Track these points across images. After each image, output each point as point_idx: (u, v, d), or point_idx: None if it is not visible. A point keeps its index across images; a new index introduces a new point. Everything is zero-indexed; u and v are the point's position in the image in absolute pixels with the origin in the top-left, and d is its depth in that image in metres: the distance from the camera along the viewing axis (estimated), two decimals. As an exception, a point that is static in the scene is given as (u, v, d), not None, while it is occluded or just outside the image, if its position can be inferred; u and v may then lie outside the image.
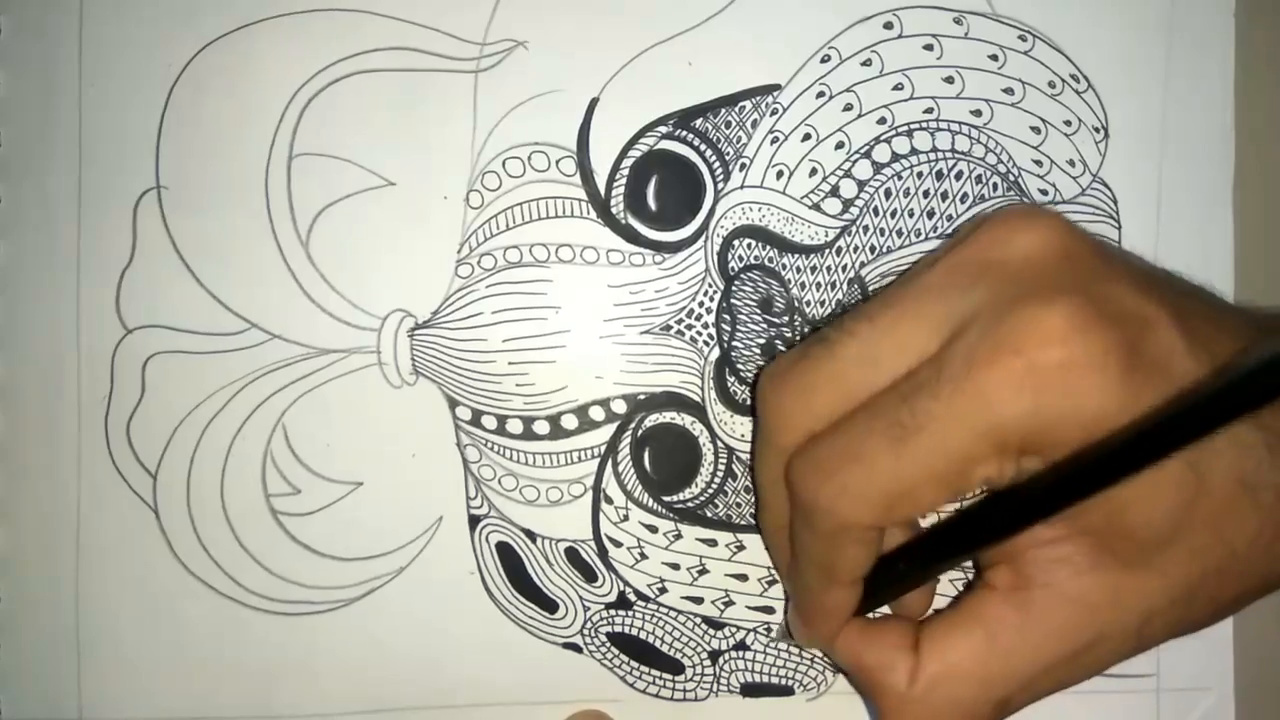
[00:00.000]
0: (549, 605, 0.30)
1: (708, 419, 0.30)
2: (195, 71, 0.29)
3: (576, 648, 0.30)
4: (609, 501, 0.30)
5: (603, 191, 0.30)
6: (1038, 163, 0.31)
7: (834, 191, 0.30)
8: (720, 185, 0.30)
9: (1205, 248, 0.32)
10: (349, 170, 0.29)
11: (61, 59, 0.29)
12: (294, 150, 0.29)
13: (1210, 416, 0.19)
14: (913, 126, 0.31)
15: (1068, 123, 0.31)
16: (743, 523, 0.30)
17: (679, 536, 0.30)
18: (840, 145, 0.30)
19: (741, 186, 0.30)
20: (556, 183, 0.30)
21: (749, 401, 0.30)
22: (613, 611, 0.30)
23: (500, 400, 0.30)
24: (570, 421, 0.30)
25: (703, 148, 0.30)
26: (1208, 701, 0.31)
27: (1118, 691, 0.31)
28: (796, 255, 0.30)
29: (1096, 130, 0.31)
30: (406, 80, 0.29)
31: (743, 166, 0.30)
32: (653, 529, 0.30)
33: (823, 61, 0.30)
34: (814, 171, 0.30)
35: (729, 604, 0.30)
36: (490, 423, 0.30)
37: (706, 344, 0.30)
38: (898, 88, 0.31)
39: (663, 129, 0.30)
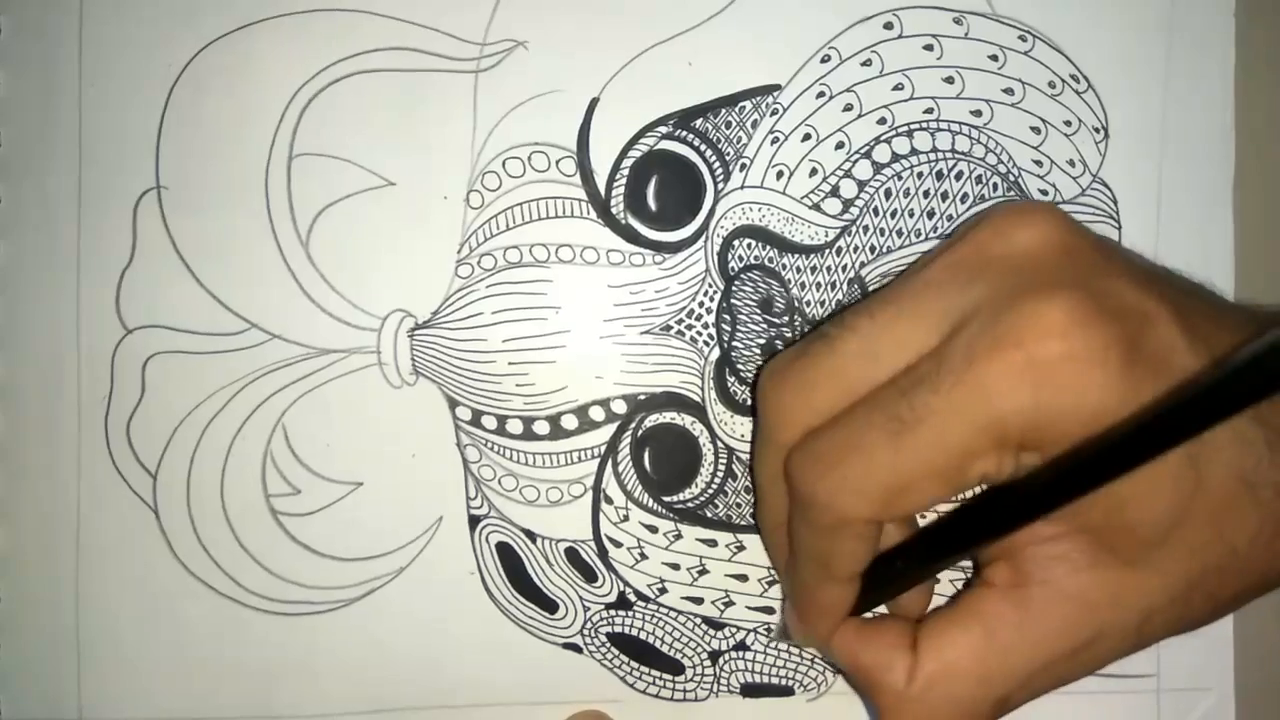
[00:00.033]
0: (549, 605, 0.30)
1: (708, 419, 0.30)
2: (195, 71, 0.29)
3: (576, 648, 0.30)
4: (609, 502, 0.30)
5: (603, 191, 0.30)
6: (1038, 163, 0.31)
7: (834, 192, 0.30)
8: (720, 185, 0.30)
9: (1205, 248, 0.32)
10: (349, 170, 0.29)
11: (61, 59, 0.29)
12: (294, 150, 0.29)
13: (1210, 409, 0.19)
14: (913, 127, 0.31)
15: (1068, 123, 0.31)
16: (743, 523, 0.30)
17: (679, 537, 0.30)
18: (840, 145, 0.30)
19: (742, 186, 0.30)
20: (556, 183, 0.30)
21: (749, 402, 0.30)
22: (613, 612, 0.30)
23: (500, 400, 0.29)
24: (570, 422, 0.30)
25: (703, 148, 0.30)
26: (1208, 702, 0.31)
27: (1118, 692, 0.31)
28: (796, 255, 0.30)
29: (1096, 130, 0.31)
30: (406, 80, 0.29)
31: (743, 167, 0.30)
32: (653, 529, 0.30)
33: (823, 62, 0.30)
34: (814, 172, 0.30)
35: (729, 604, 0.30)
36: (490, 423, 0.30)
37: (706, 344, 0.30)
38: (898, 88, 0.31)
39: (663, 129, 0.30)
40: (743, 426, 0.30)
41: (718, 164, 0.30)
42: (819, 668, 0.31)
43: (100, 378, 0.29)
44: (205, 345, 0.29)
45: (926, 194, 0.31)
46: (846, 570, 0.24)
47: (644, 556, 0.30)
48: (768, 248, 0.30)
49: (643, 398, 0.30)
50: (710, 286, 0.30)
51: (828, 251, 0.30)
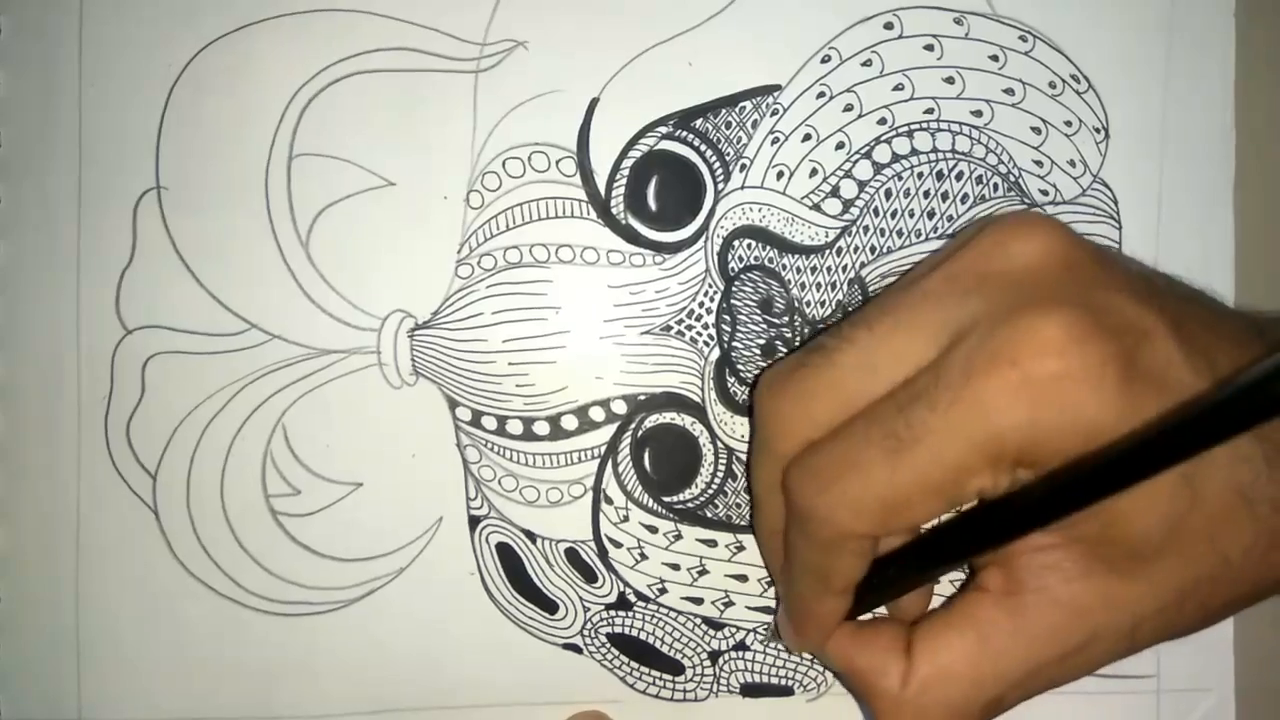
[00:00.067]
0: (549, 606, 0.30)
1: (708, 419, 0.30)
2: (195, 71, 0.29)
3: (576, 648, 0.30)
4: (609, 502, 0.30)
5: (603, 192, 0.30)
6: (1038, 163, 0.31)
7: (834, 192, 0.30)
8: (720, 185, 0.30)
9: (1206, 248, 0.32)
10: (349, 170, 0.29)
11: (61, 59, 0.29)
12: (294, 150, 0.29)
13: (1207, 431, 0.19)
14: (913, 127, 0.31)
15: (1068, 123, 0.31)
16: (742, 523, 0.30)
17: (679, 537, 0.30)
18: (840, 145, 0.30)
19: (742, 187, 0.30)
20: (556, 183, 0.30)
21: (749, 410, 0.30)
22: (613, 612, 0.30)
23: (500, 401, 0.29)
24: (570, 422, 0.30)
25: (703, 148, 0.30)
26: (1208, 703, 0.31)
27: (1118, 692, 0.31)
28: (797, 256, 0.30)
29: (1097, 130, 0.31)
30: (406, 80, 0.29)
31: (743, 167, 0.30)
32: (653, 529, 0.30)
33: (823, 62, 0.30)
34: (814, 172, 0.30)
35: (729, 604, 0.30)
36: (490, 423, 0.30)
37: (707, 344, 0.30)
38: (898, 88, 0.31)
39: (663, 129, 0.30)
40: (743, 427, 0.30)
41: (718, 164, 0.30)
42: (819, 668, 0.31)
43: (100, 378, 0.29)
44: (205, 345, 0.29)
45: (927, 194, 0.31)
46: (842, 583, 0.24)
47: (644, 557, 0.30)
48: (768, 248, 0.30)
49: (643, 398, 0.30)
50: (710, 287, 0.30)
51: (828, 252, 0.30)
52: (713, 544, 0.30)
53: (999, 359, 0.21)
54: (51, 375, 0.29)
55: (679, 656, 0.30)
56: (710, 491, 0.30)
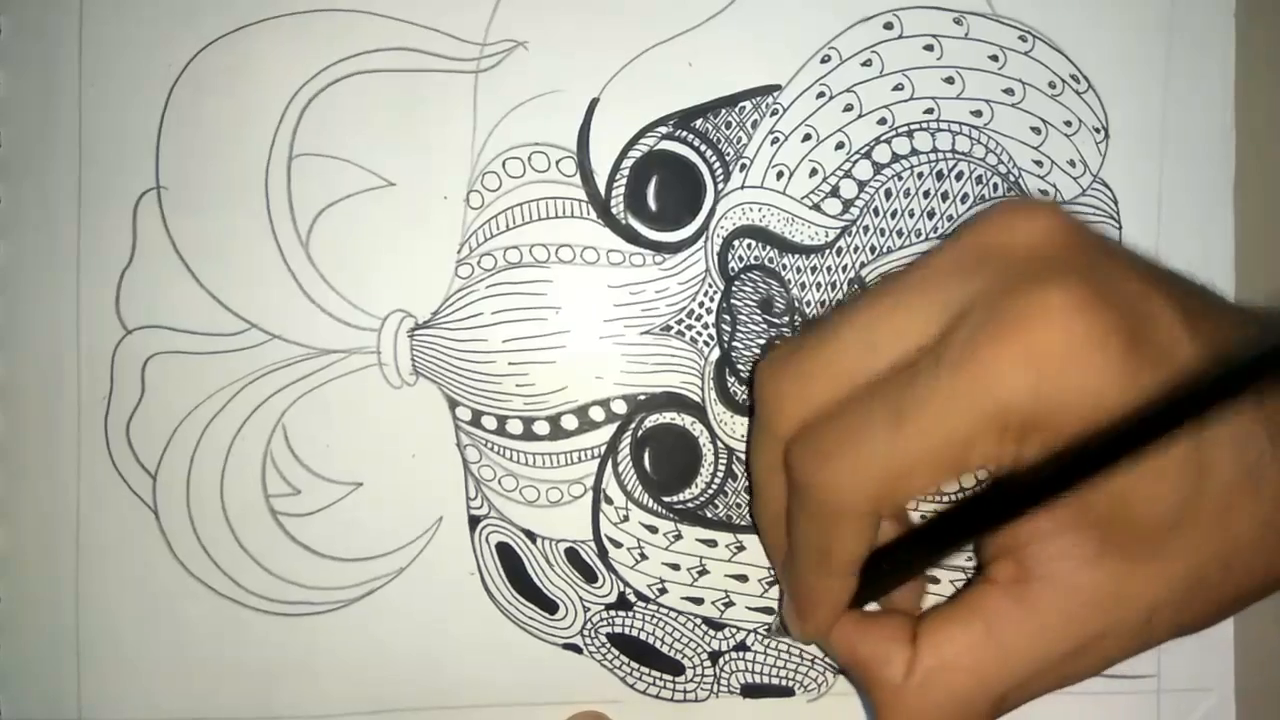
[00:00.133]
0: (549, 606, 0.30)
1: (708, 419, 0.30)
2: (195, 71, 0.29)
3: (576, 648, 0.30)
4: (609, 502, 0.30)
5: (603, 192, 0.30)
6: (1038, 163, 0.31)
7: (834, 192, 0.30)
8: (720, 185, 0.30)
9: (1206, 248, 0.32)
10: (349, 170, 0.29)
11: (61, 59, 0.29)
12: (294, 150, 0.29)
13: (1215, 395, 0.19)
14: (913, 127, 0.31)
15: (1068, 123, 0.31)
16: (743, 523, 0.30)
17: (679, 537, 0.30)
18: (840, 145, 0.30)
19: (742, 187, 0.30)
20: (556, 183, 0.30)
21: (749, 402, 0.30)
22: (613, 612, 0.30)
23: (500, 400, 0.29)
24: (570, 422, 0.30)
25: (703, 148, 0.30)
26: (1208, 702, 0.31)
27: (1118, 692, 0.31)
28: (797, 255, 0.30)
29: (1097, 130, 0.31)
30: (406, 80, 0.29)
31: (743, 167, 0.30)
32: (653, 529, 0.30)
33: (823, 62, 0.30)
34: (814, 172, 0.30)
35: (729, 605, 0.30)
36: (490, 423, 0.30)
37: (707, 344, 0.30)
38: (898, 88, 0.31)
39: (663, 129, 0.30)
40: (743, 427, 0.30)
41: (718, 164, 0.30)
42: (819, 668, 0.31)
43: (100, 378, 0.29)
44: (205, 345, 0.29)
45: (927, 194, 0.31)
46: (845, 562, 0.24)
47: (644, 557, 0.30)
48: (768, 248, 0.30)
49: (643, 398, 0.30)
50: (710, 287, 0.30)
51: (828, 252, 0.30)
52: (713, 544, 0.30)
53: (1003, 329, 0.21)
54: (51, 375, 0.29)
55: (679, 657, 0.30)
56: (710, 491, 0.30)
